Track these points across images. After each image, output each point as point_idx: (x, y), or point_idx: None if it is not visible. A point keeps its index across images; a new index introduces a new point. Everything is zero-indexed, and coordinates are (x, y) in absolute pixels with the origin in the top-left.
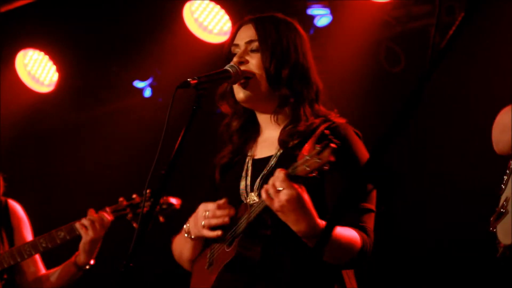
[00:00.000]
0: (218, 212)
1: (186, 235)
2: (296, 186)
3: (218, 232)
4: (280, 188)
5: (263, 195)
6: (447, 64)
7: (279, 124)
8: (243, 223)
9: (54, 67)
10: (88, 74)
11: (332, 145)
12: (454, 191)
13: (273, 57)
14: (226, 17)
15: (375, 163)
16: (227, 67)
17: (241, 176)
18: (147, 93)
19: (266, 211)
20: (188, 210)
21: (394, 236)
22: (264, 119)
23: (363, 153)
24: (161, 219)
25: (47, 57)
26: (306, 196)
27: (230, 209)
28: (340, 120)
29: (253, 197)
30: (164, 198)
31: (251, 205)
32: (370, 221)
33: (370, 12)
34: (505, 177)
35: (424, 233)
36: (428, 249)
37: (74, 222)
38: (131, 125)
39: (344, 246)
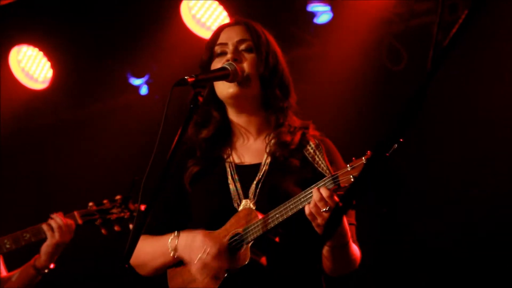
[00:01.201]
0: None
1: (169, 248)
2: (338, 199)
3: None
4: (325, 209)
5: (307, 210)
6: (450, 62)
7: (263, 132)
8: (256, 229)
9: (48, 64)
10: (83, 71)
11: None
12: (457, 191)
13: (267, 61)
14: (225, 13)
15: (378, 164)
16: (225, 65)
17: (226, 181)
18: (144, 90)
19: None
20: None
21: (397, 237)
22: (243, 122)
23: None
24: (130, 226)
25: (41, 53)
26: None
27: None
28: (318, 133)
29: (248, 204)
30: (136, 205)
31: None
32: (354, 234)
33: (372, 9)
34: None
35: (426, 234)
36: (430, 250)
37: (41, 224)
38: (127, 123)
39: (353, 256)
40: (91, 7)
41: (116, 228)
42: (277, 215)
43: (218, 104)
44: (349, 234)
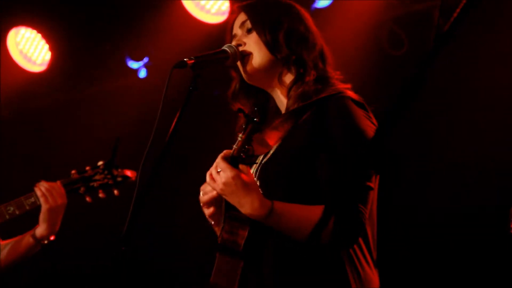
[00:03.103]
0: (206, 189)
1: None
2: (230, 167)
3: (210, 210)
4: (219, 170)
5: (207, 178)
6: (451, 47)
7: (294, 102)
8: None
9: (46, 46)
10: (82, 53)
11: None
12: (458, 179)
13: (265, 26)
14: None
15: (377, 148)
16: (224, 47)
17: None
18: (142, 73)
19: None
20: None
21: (395, 224)
22: (277, 100)
23: (363, 126)
24: (116, 192)
25: (39, 35)
26: (245, 177)
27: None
28: (343, 87)
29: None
30: (119, 170)
31: None
32: (364, 199)
33: None
34: None
35: (425, 221)
36: (429, 238)
37: (24, 196)
38: (126, 105)
39: (293, 224)
40: None
41: (100, 195)
42: None
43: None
44: (266, 204)
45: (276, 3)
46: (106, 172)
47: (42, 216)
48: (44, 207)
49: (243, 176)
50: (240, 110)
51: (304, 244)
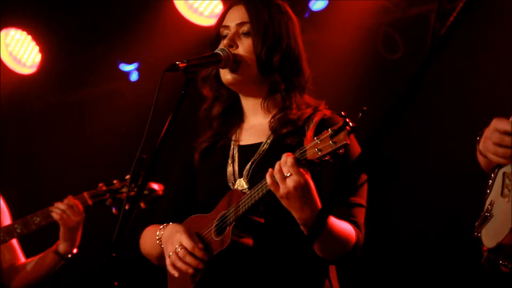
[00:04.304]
0: (189, 259)
1: (157, 240)
2: (303, 171)
3: (189, 270)
4: (288, 174)
5: (268, 180)
6: (448, 52)
7: (268, 111)
8: (236, 210)
9: (37, 48)
10: (72, 55)
11: (348, 127)
12: (454, 185)
13: (265, 41)
14: None
15: (370, 153)
16: (217, 51)
17: (226, 161)
18: (134, 76)
19: (265, 198)
20: None
21: (391, 231)
22: (251, 105)
23: (356, 147)
24: (142, 205)
25: (29, 37)
26: (312, 183)
27: (205, 255)
28: (329, 112)
29: (242, 183)
30: (149, 184)
31: (244, 192)
32: (361, 215)
33: None
34: (490, 181)
35: (422, 228)
36: (424, 245)
37: (50, 207)
38: (117, 109)
39: (339, 237)
40: None
41: (126, 207)
42: (254, 194)
43: None
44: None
45: (279, 12)
46: (133, 185)
47: (62, 235)
48: (63, 228)
49: (311, 181)
50: (341, 115)
51: (331, 256)
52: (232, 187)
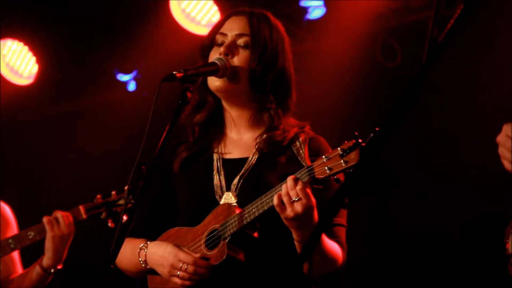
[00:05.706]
0: (200, 270)
1: (140, 260)
2: (310, 193)
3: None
4: (296, 198)
5: (275, 201)
6: (446, 59)
7: (253, 127)
8: (233, 225)
9: (34, 59)
10: (69, 66)
11: (362, 144)
12: (453, 190)
13: (262, 58)
14: (215, 8)
15: (369, 161)
16: (215, 60)
17: (211, 173)
18: (131, 86)
19: (263, 215)
20: None
21: (392, 237)
22: (235, 116)
23: None
24: (124, 218)
25: (26, 47)
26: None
27: (209, 266)
28: (313, 133)
29: (230, 197)
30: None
31: (242, 207)
32: (343, 235)
33: (366, 4)
34: None
35: (422, 234)
36: (426, 250)
37: (25, 230)
38: (114, 119)
39: (330, 254)
40: (78, 1)
41: (124, 218)
42: (253, 210)
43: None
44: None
45: (278, 31)
46: (130, 196)
47: (47, 244)
48: (48, 234)
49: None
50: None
51: (321, 273)
52: (219, 200)
